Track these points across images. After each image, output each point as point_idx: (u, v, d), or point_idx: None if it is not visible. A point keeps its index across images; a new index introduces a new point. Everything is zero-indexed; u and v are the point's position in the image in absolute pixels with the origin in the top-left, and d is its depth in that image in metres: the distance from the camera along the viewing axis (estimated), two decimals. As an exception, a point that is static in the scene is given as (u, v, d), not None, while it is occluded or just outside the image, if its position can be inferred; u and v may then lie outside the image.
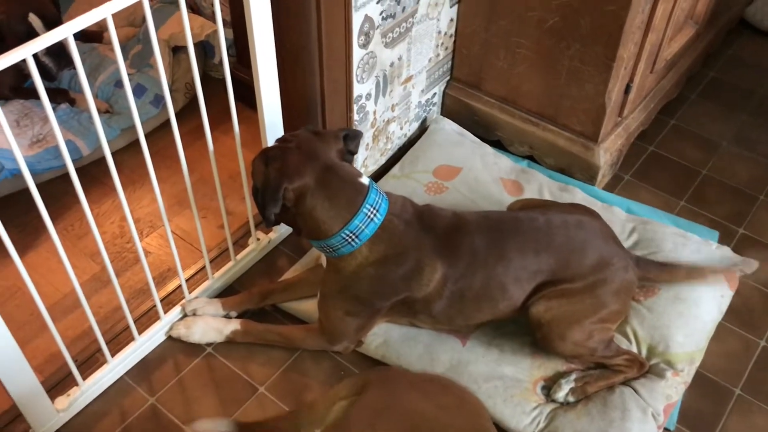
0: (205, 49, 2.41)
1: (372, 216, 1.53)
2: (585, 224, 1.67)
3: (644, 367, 1.67)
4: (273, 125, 1.76)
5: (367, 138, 2.07)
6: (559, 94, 2.08)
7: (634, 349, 1.71)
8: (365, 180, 1.57)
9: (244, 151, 1.76)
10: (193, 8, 2.48)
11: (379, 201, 1.56)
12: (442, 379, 1.58)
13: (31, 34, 2.03)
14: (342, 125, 1.92)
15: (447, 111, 2.36)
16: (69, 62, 2.13)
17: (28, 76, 2.23)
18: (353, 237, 1.53)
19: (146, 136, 2.29)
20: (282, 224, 1.64)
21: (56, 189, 2.06)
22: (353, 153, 1.62)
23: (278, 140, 1.61)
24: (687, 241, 1.92)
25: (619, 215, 2.02)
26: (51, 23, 2.06)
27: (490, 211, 1.83)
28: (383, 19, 1.85)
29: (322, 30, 1.61)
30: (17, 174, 2.03)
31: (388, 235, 1.56)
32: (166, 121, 2.33)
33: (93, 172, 2.18)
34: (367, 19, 1.79)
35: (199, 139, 1.99)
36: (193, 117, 2.13)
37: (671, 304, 1.77)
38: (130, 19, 2.51)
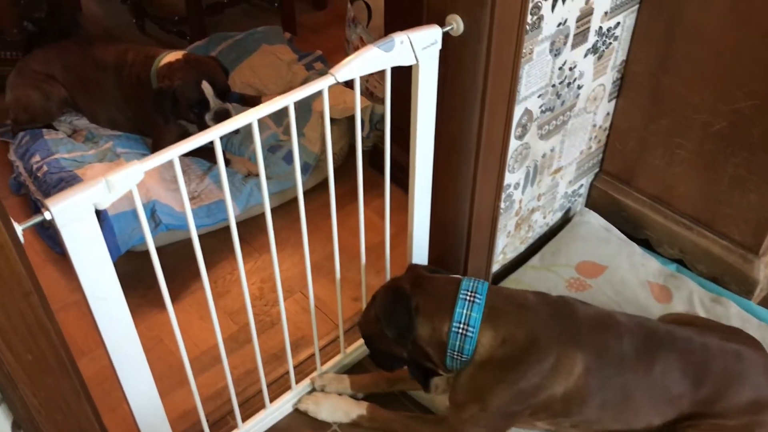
0: (356, 122, 2.48)
1: (471, 298, 1.51)
2: (745, 356, 1.54)
3: None
4: (421, 207, 1.77)
5: (509, 226, 2.04)
6: (719, 201, 1.97)
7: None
8: (457, 276, 1.60)
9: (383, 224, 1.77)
10: (347, 83, 2.56)
11: (475, 284, 1.54)
12: None
13: (202, 100, 2.15)
14: (488, 212, 1.90)
15: (592, 203, 2.30)
16: (231, 127, 2.24)
17: (188, 134, 2.38)
18: (464, 326, 1.50)
19: (291, 202, 2.40)
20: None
21: (201, 246, 2.14)
22: None
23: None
24: None
25: (779, 337, 1.86)
26: (221, 91, 2.19)
27: (643, 316, 1.71)
28: (542, 112, 1.83)
29: (483, 123, 1.61)
30: (172, 228, 2.13)
31: (503, 315, 1.52)
32: (310, 189, 2.40)
33: (239, 231, 2.25)
34: (527, 111, 1.78)
35: (340, 209, 2.03)
36: (336, 187, 2.18)
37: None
38: (287, 87, 2.63)
